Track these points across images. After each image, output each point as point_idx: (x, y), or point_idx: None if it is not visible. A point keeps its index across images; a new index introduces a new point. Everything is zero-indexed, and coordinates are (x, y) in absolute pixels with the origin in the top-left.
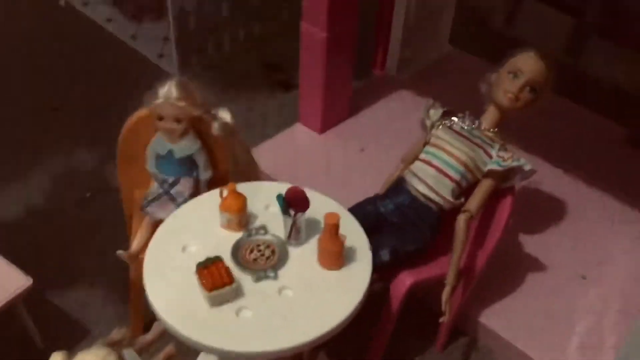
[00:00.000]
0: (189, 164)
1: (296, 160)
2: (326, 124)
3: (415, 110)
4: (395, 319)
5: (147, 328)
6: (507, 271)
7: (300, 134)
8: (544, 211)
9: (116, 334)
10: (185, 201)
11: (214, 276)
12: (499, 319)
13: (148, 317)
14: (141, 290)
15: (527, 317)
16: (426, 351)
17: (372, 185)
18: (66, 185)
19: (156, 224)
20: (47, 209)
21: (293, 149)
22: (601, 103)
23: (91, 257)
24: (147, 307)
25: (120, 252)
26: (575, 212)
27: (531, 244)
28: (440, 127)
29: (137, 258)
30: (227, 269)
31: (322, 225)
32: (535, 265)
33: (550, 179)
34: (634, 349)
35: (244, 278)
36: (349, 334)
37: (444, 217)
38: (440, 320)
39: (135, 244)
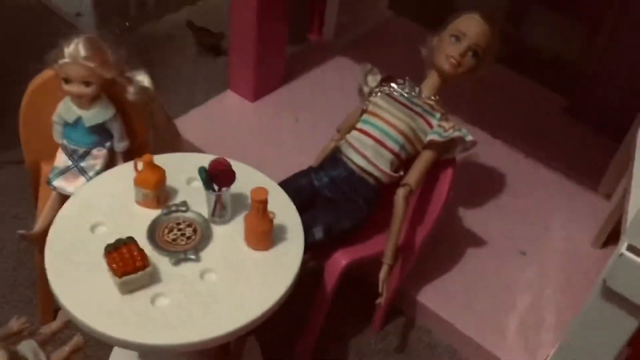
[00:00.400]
0: (101, 133)
1: (226, 130)
2: (258, 92)
3: (353, 79)
4: (330, 300)
5: (56, 315)
6: (445, 247)
7: (230, 102)
8: (482, 184)
9: (14, 323)
10: (97, 175)
11: (125, 260)
12: (437, 297)
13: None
14: None
15: (465, 295)
16: (363, 331)
17: (307, 158)
18: None
19: (64, 200)
20: None
21: (222, 118)
22: (540, 72)
23: None
24: None
25: (21, 231)
26: (514, 185)
27: (470, 219)
28: (379, 94)
29: (43, 238)
30: (140, 252)
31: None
32: (474, 241)
33: (488, 150)
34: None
35: (161, 261)
36: (282, 316)
37: (382, 192)
38: (377, 301)
39: (39, 223)
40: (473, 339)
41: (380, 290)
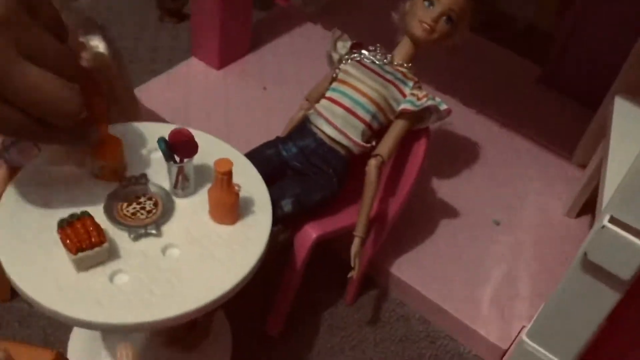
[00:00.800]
0: None
1: (190, 98)
2: (224, 59)
3: (322, 46)
4: (300, 273)
5: (9, 309)
6: (418, 219)
7: (194, 69)
8: (455, 154)
9: None
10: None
11: (80, 236)
12: (410, 269)
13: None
14: None
15: (439, 266)
16: (336, 303)
17: (276, 128)
18: None
19: (15, 172)
20: None
21: (186, 87)
22: (514, 40)
23: None
24: None
25: None
26: (487, 154)
27: (443, 189)
28: (349, 61)
29: None
30: (96, 226)
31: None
32: (447, 211)
33: (461, 119)
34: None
35: (119, 236)
36: (253, 290)
37: (353, 163)
38: (349, 275)
39: None
40: (447, 311)
41: (352, 264)
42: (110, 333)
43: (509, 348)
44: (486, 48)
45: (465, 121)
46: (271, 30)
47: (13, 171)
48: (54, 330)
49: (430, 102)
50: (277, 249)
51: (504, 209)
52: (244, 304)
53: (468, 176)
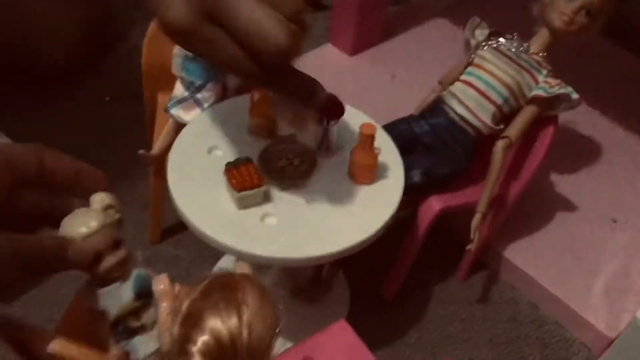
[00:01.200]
0: (217, 68)
1: (324, 81)
2: (358, 47)
3: (451, 41)
4: (419, 245)
5: (164, 235)
6: (536, 208)
7: (329, 54)
8: (578, 151)
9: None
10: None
11: (243, 177)
12: (524, 255)
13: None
14: (161, 194)
15: (553, 255)
16: (447, 280)
17: (402, 114)
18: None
19: (179, 127)
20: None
21: (321, 70)
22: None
23: (110, 160)
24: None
25: (142, 151)
26: (609, 155)
27: (563, 183)
28: (486, 47)
29: (159, 160)
30: (257, 171)
31: (356, 137)
32: (565, 204)
33: (585, 119)
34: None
35: (271, 185)
36: (368, 260)
37: (480, 143)
38: (467, 247)
39: (157, 146)
40: (557, 297)
41: (472, 236)
42: (255, 264)
43: (616, 338)
44: (614, 53)
45: (589, 121)
46: (403, 22)
47: (177, 127)
48: (195, 270)
49: (562, 90)
50: (397, 222)
51: (622, 208)
52: (362, 268)
53: (588, 174)
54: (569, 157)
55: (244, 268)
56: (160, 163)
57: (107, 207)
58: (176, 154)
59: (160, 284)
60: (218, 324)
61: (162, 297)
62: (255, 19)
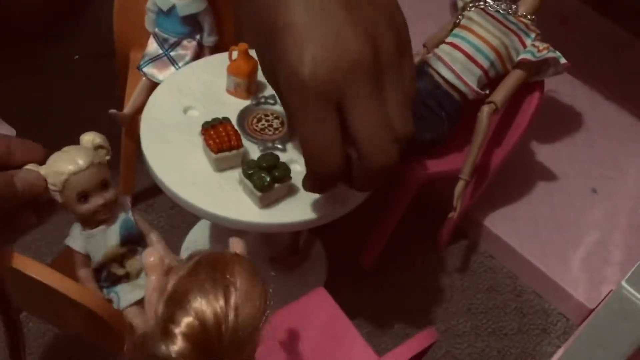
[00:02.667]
0: (192, 25)
1: None
2: None
3: (435, 3)
4: (401, 212)
5: (135, 199)
6: (516, 177)
7: None
8: (558, 121)
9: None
10: (186, 65)
11: (221, 138)
12: (503, 224)
13: (135, 189)
14: (133, 156)
15: (532, 225)
16: (424, 251)
17: None
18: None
19: (152, 86)
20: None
21: None
22: (629, 20)
23: (79, 121)
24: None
25: (113, 111)
26: (590, 124)
27: (544, 152)
28: (473, 9)
29: (131, 119)
30: (235, 132)
31: None
32: (546, 174)
33: (567, 88)
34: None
35: (249, 147)
36: (346, 228)
37: (464, 109)
38: (449, 215)
39: (129, 105)
40: (537, 266)
41: (454, 204)
42: (229, 229)
43: (595, 309)
44: (597, 22)
45: (570, 90)
46: None
47: (151, 85)
48: (168, 236)
49: (550, 54)
50: (377, 193)
51: (603, 179)
52: (340, 237)
53: (569, 143)
54: (549, 126)
55: (238, 246)
56: (132, 123)
57: (97, 147)
58: (149, 113)
59: (151, 256)
60: (203, 306)
61: (150, 271)
62: (375, 126)
